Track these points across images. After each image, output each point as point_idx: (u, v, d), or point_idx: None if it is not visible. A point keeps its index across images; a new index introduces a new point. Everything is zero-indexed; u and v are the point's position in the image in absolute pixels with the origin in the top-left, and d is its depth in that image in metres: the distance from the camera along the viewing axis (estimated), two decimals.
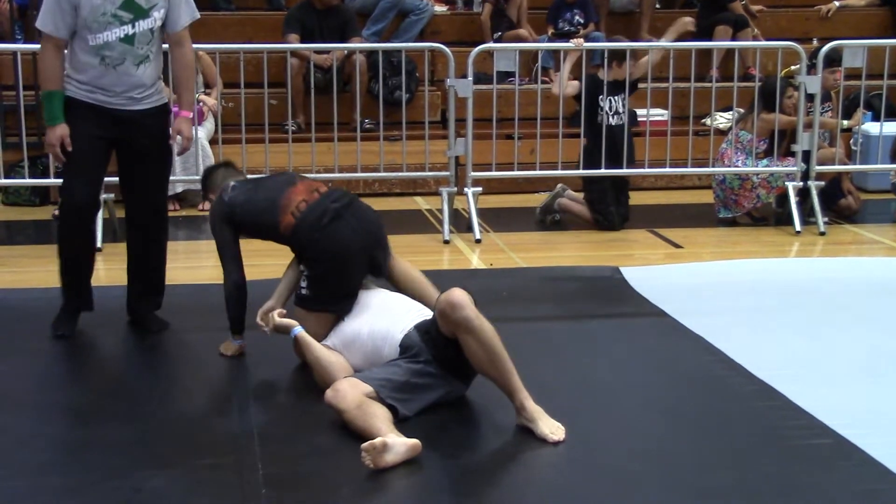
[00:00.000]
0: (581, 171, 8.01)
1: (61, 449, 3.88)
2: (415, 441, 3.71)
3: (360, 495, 3.57)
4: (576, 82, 7.59)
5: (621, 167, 7.57)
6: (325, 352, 4.33)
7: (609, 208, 7.49)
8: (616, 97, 7.58)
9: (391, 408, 3.95)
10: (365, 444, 3.64)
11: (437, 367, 4.11)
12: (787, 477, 3.66)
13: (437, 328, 4.09)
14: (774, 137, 7.66)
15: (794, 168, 7.63)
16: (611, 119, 7.57)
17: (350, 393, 3.96)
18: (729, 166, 7.71)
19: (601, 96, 7.54)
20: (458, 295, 4.00)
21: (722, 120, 8.84)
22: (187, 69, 5.15)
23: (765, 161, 7.72)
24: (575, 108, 8.65)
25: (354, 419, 3.90)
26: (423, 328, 4.20)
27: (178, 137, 5.07)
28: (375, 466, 3.62)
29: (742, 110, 8.22)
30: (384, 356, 4.22)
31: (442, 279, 6.19)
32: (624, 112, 7.61)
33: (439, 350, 4.09)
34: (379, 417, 3.86)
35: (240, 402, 4.28)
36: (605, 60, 7.56)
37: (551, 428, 3.89)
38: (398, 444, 3.68)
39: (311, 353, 4.33)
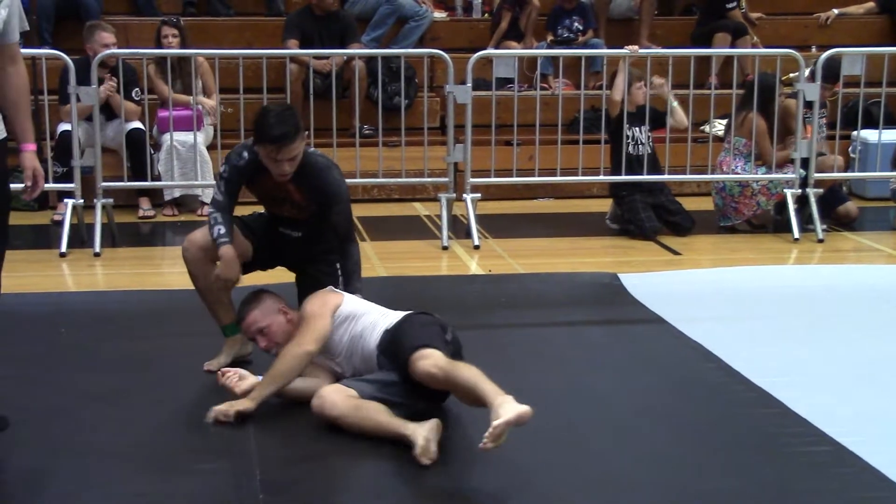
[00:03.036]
0: (578, 178, 8.03)
1: (58, 455, 3.87)
2: (436, 421, 3.81)
3: (357, 501, 3.57)
4: (618, 106, 7.60)
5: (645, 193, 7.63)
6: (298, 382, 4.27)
7: (640, 216, 7.51)
8: (637, 127, 7.59)
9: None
10: (416, 451, 3.71)
11: (404, 386, 4.09)
12: (784, 484, 3.66)
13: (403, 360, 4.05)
14: (774, 137, 7.66)
15: (793, 175, 7.64)
16: (632, 148, 7.59)
17: (340, 398, 3.97)
18: (728, 174, 7.72)
19: (626, 125, 7.56)
20: (424, 368, 3.92)
21: (720, 127, 8.85)
22: (26, 91, 4.10)
23: (764, 168, 7.72)
24: (574, 115, 8.68)
25: (356, 422, 3.91)
26: (385, 351, 4.18)
27: (30, 180, 4.15)
28: (431, 462, 3.71)
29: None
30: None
31: (441, 285, 6.22)
32: (647, 143, 7.62)
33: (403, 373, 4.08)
34: (382, 412, 3.90)
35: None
36: (626, 89, 7.56)
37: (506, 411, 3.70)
38: (432, 437, 3.75)
39: (291, 393, 4.25)
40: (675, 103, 7.71)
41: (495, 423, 3.57)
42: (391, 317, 4.27)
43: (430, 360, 3.92)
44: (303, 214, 4.69)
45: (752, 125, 7.64)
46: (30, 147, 4.12)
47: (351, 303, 4.34)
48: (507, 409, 3.61)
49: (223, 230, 4.56)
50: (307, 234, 4.73)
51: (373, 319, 4.26)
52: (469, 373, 3.85)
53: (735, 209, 7.77)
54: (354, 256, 4.69)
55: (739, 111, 7.80)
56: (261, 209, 4.87)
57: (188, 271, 4.71)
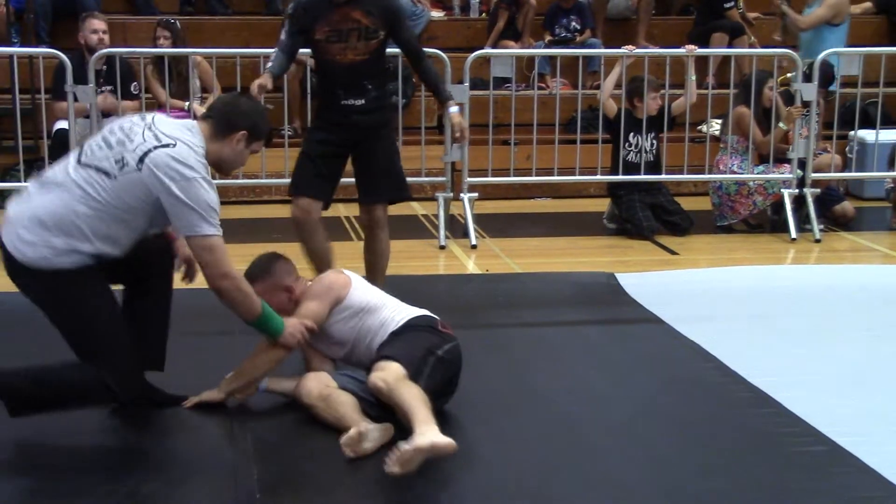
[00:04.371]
0: (576, 178, 8.04)
1: (56, 452, 3.87)
2: (387, 424, 3.81)
3: (354, 499, 3.57)
4: (613, 106, 7.59)
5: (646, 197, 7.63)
6: (292, 383, 4.24)
7: (637, 215, 7.51)
8: (642, 135, 7.58)
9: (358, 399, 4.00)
10: (343, 439, 3.74)
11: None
12: (781, 484, 3.66)
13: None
14: (750, 136, 7.65)
15: (791, 175, 7.64)
16: (633, 156, 7.59)
17: (315, 387, 4.03)
18: (725, 172, 7.73)
19: (632, 132, 7.56)
20: (372, 380, 3.89)
21: (717, 127, 8.85)
22: None
23: (761, 167, 7.73)
24: (572, 115, 8.68)
25: (323, 412, 3.98)
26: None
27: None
28: (356, 455, 3.72)
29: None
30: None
31: (438, 285, 6.22)
32: (650, 151, 7.61)
33: None
34: (347, 406, 3.93)
35: (235, 405, 4.27)
36: (626, 94, 7.57)
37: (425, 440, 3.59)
38: (372, 430, 3.78)
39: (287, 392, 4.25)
40: (694, 77, 7.71)
41: (404, 446, 3.53)
42: (401, 315, 4.22)
43: (382, 372, 3.89)
44: (369, 49, 5.12)
45: (748, 122, 7.65)
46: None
47: (362, 294, 4.28)
48: (425, 437, 3.56)
49: (272, 65, 5.28)
50: (368, 99, 5.18)
51: (383, 318, 4.21)
52: (410, 395, 3.78)
53: (732, 208, 7.78)
54: (433, 69, 5.42)
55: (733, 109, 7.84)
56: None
57: (299, 235, 5.31)
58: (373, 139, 5.27)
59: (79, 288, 3.86)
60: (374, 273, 5.40)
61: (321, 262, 5.35)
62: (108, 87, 7.76)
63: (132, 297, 4.16)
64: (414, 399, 3.77)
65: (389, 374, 3.88)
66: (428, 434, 3.58)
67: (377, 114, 5.25)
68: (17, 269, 3.89)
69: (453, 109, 5.38)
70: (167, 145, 3.81)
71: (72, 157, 3.97)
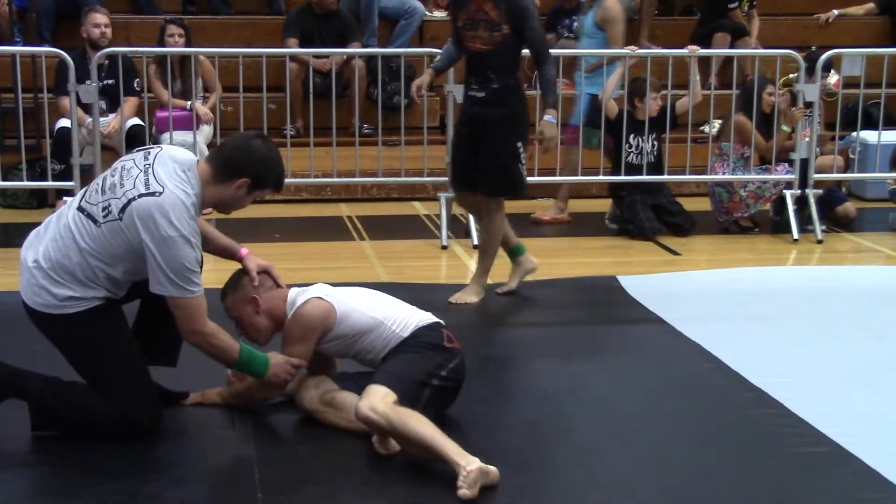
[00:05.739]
0: (579, 178, 8.02)
1: (59, 451, 3.87)
2: None
3: (356, 500, 3.57)
4: (615, 106, 7.59)
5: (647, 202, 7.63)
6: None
7: (639, 216, 7.50)
8: (643, 137, 7.57)
9: None
10: (375, 438, 3.76)
11: None
12: (783, 485, 3.66)
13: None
14: (752, 144, 7.64)
15: (793, 177, 7.63)
16: (634, 157, 7.58)
17: (315, 393, 4.01)
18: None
19: (632, 134, 7.56)
20: (360, 410, 3.70)
21: (719, 127, 8.84)
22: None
23: (749, 173, 7.67)
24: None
25: (332, 416, 3.97)
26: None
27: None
28: (387, 453, 3.75)
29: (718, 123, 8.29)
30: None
31: (441, 288, 6.21)
32: (651, 152, 7.60)
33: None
34: (352, 408, 3.86)
35: (237, 406, 4.26)
36: (627, 96, 7.57)
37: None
38: None
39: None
40: (697, 77, 7.70)
41: (470, 468, 3.43)
42: (408, 331, 4.03)
43: (368, 399, 3.69)
44: (493, 41, 5.47)
45: (746, 129, 7.64)
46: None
47: (353, 320, 4.03)
48: (478, 463, 3.48)
49: (437, 59, 6.10)
50: (489, 92, 5.55)
51: (385, 336, 4.01)
52: (419, 426, 3.59)
53: (725, 212, 7.77)
54: (548, 74, 5.58)
55: (726, 122, 7.83)
56: None
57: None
58: (489, 133, 5.60)
59: (91, 330, 3.85)
60: (483, 252, 5.93)
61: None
62: (110, 81, 7.76)
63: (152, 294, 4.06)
64: (430, 430, 3.59)
65: (378, 401, 3.68)
66: (475, 462, 3.48)
67: (495, 108, 5.56)
68: (34, 316, 3.92)
69: (547, 118, 5.69)
70: (153, 193, 3.70)
71: (77, 197, 3.94)
